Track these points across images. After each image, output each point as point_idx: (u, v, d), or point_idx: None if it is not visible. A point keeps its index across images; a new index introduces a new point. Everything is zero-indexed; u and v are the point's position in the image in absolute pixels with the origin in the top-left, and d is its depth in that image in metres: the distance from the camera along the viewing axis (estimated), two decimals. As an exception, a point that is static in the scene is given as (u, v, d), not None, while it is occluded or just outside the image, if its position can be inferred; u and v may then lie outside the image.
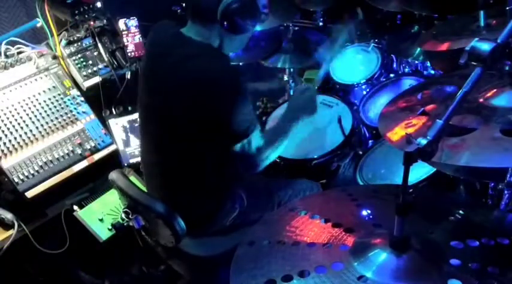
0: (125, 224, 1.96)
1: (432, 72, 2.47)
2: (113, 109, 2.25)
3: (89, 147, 2.07)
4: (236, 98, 1.44)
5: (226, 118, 1.44)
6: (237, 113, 1.44)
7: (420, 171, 1.82)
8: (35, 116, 2.03)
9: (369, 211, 1.16)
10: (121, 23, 2.18)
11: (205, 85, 1.43)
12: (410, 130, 1.25)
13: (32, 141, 1.99)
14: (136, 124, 2.21)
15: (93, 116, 2.15)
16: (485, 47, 0.92)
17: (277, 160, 2.15)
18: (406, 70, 2.62)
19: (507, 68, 1.17)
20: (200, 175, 1.58)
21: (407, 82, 2.42)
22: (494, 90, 1.29)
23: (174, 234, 1.53)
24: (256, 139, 1.49)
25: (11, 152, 1.94)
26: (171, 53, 1.52)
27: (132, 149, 2.23)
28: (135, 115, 2.20)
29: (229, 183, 1.68)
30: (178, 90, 1.48)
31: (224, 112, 1.44)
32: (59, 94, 2.12)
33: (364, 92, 2.51)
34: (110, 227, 2.01)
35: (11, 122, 1.98)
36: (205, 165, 1.55)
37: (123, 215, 1.89)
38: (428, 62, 2.44)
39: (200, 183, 1.59)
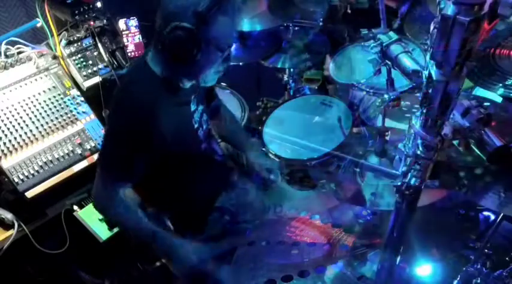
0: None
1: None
2: (113, 109, 2.25)
3: (89, 147, 2.07)
4: (113, 128, 1.46)
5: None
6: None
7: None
8: (35, 116, 2.03)
9: (369, 212, 1.16)
10: (121, 23, 2.17)
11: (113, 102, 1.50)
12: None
13: (32, 141, 1.99)
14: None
15: (93, 116, 2.15)
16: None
17: (277, 160, 2.15)
18: (406, 70, 2.62)
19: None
20: (166, 185, 1.58)
21: (407, 82, 2.41)
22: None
23: None
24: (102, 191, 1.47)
25: (11, 152, 1.94)
26: None
27: (132, 149, 2.22)
28: (135, 116, 2.19)
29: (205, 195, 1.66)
30: None
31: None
32: (59, 94, 2.12)
33: (364, 92, 2.51)
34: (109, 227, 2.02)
35: (11, 122, 1.98)
36: (168, 176, 1.55)
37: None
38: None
39: (173, 193, 1.60)
